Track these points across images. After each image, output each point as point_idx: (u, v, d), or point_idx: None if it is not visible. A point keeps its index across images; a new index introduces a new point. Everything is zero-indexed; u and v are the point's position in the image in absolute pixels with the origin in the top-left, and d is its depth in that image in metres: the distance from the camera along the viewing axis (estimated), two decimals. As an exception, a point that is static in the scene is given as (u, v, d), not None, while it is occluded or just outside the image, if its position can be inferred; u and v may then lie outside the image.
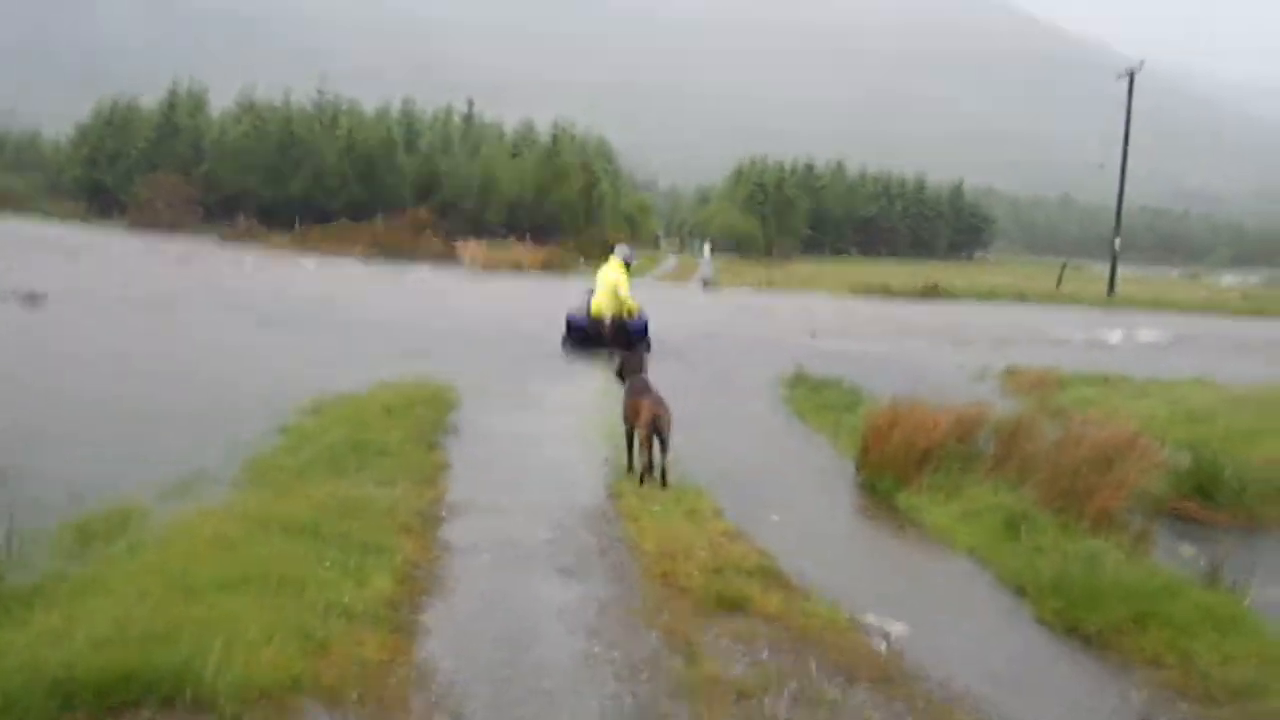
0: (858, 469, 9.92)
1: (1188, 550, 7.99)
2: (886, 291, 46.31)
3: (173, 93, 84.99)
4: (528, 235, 78.99)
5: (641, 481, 8.80)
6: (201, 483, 8.00)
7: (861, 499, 9.39)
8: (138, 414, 11.02)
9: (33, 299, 20.46)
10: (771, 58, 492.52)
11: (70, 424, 10.33)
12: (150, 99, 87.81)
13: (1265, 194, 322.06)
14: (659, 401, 9.01)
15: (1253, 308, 48.28)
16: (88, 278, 28.59)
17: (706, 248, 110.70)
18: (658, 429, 8.82)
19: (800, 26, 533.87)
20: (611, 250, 20.36)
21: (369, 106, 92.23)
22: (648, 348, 18.65)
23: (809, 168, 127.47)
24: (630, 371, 9.65)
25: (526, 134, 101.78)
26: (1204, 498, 9.21)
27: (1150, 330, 31.76)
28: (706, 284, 49.48)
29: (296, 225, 68.39)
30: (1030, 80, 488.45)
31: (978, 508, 8.30)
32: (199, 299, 24.93)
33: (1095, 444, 8.78)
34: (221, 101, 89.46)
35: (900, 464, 9.37)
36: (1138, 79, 53.21)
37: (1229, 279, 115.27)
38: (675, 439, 8.99)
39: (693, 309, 31.93)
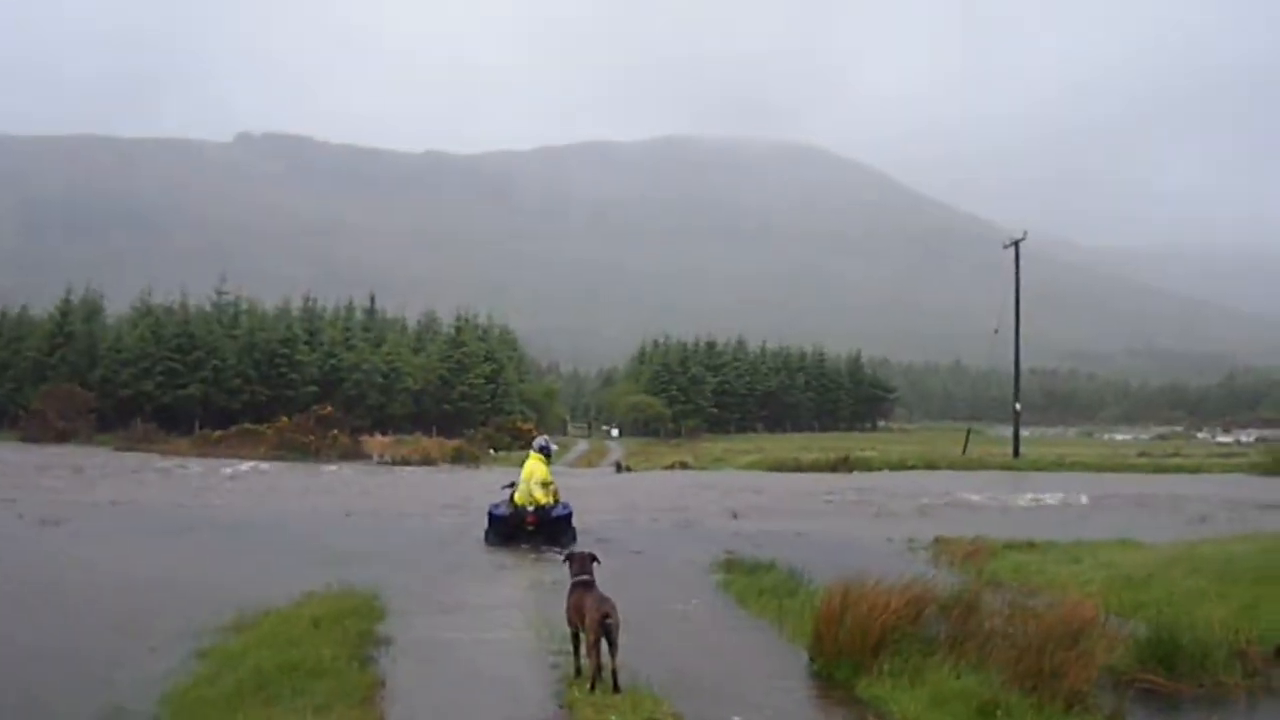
0: (812, 658, 9.57)
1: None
2: (798, 466, 46.53)
3: (66, 300, 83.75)
4: (434, 427, 78.50)
5: (592, 688, 8.31)
6: (118, 723, 7.34)
7: (821, 690, 9.00)
8: (42, 643, 10.23)
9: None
10: (671, 237, 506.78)
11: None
12: (40, 309, 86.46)
13: (1140, 352, 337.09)
14: (604, 600, 8.60)
15: (1152, 464, 49.60)
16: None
17: (614, 431, 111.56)
18: (606, 630, 8.39)
19: (702, 207, 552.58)
20: (528, 441, 20.21)
21: (270, 305, 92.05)
22: (572, 537, 18.28)
23: (710, 345, 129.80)
24: (575, 572, 9.22)
25: (429, 325, 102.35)
26: (1166, 668, 9.02)
27: (1062, 492, 32.23)
28: (620, 467, 49.30)
29: (197, 428, 66.90)
30: (915, 253, 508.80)
31: (944, 693, 7.99)
32: (95, 513, 23.85)
33: (1055, 620, 8.60)
34: (117, 308, 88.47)
35: (856, 650, 9.06)
36: (1007, 249, 55.69)
37: (1121, 436, 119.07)
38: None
39: (609, 494, 31.51)
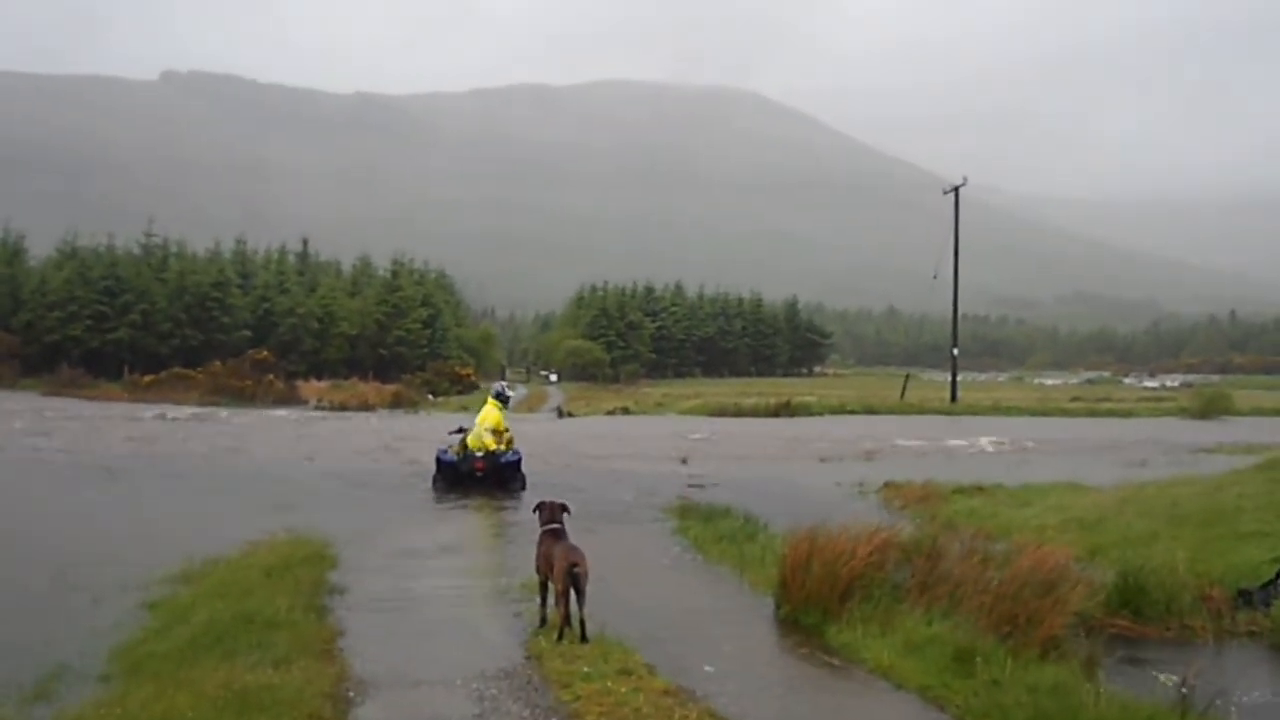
0: (778, 604, 9.43)
1: (1168, 678, 7.61)
2: (739, 411, 46.62)
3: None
4: (371, 372, 77.54)
5: (560, 637, 8.10)
6: (65, 681, 6.98)
7: (790, 637, 8.86)
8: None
9: None
10: (606, 182, 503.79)
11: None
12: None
13: (1067, 299, 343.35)
14: (573, 549, 8.37)
15: (1085, 409, 50.52)
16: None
17: (553, 376, 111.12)
18: (574, 579, 8.17)
19: (638, 152, 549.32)
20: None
21: (200, 249, 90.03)
22: (522, 484, 18.04)
23: (649, 290, 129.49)
24: (545, 520, 8.96)
25: (364, 269, 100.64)
26: (1134, 613, 9.05)
27: (1002, 436, 32.63)
28: (561, 413, 49.02)
29: (126, 373, 65.33)
30: (850, 199, 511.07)
31: (917, 640, 7.89)
32: (24, 458, 23.14)
33: (1027, 566, 8.54)
34: (41, 250, 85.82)
35: (824, 597, 8.94)
36: (939, 194, 55.97)
37: (1051, 381, 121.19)
38: (581, 585, 8.36)
39: (554, 440, 31.30)
